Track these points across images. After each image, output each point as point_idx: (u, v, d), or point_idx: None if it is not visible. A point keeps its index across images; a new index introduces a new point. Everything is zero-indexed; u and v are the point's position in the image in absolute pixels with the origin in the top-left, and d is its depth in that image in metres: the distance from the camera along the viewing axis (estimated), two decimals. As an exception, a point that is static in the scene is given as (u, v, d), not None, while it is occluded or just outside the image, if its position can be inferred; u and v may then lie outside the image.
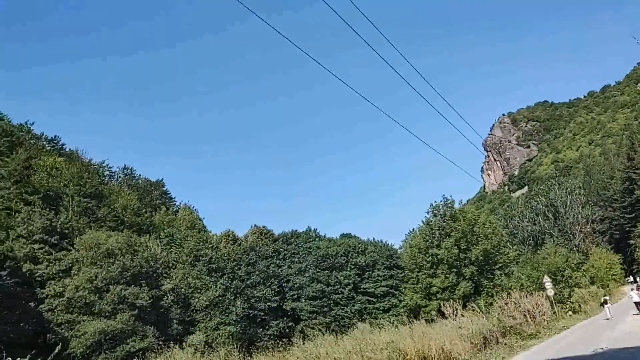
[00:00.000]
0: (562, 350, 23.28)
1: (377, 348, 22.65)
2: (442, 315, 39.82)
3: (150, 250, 51.26)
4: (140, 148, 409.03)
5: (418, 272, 61.31)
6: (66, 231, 47.85)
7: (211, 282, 53.78)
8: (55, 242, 45.95)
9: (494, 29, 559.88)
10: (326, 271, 63.68)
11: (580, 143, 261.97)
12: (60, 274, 43.53)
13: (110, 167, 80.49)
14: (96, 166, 73.83)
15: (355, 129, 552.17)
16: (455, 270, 57.20)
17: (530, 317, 33.22)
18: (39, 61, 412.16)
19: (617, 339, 24.36)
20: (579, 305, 47.50)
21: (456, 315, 32.81)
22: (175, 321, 48.45)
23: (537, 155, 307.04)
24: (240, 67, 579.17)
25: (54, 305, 41.14)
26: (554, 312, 40.11)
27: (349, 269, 65.04)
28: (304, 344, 28.39)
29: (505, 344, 26.86)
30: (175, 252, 56.84)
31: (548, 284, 41.60)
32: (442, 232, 60.00)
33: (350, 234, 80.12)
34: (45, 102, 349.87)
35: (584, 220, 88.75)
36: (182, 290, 51.19)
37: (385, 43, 17.81)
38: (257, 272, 57.62)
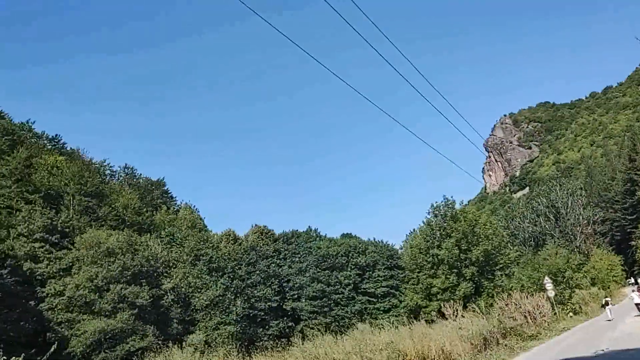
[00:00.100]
0: (562, 351, 23.22)
1: (377, 349, 22.59)
2: (443, 316, 39.76)
3: (151, 250, 51.27)
4: (141, 147, 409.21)
5: (418, 272, 61.25)
6: (67, 230, 47.90)
7: (211, 282, 53.75)
8: (56, 240, 45.99)
9: (495, 29, 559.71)
10: (326, 271, 63.62)
11: (581, 144, 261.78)
12: (61, 273, 43.57)
13: (111, 166, 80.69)
14: (97, 165, 73.92)
15: (356, 129, 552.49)
16: (455, 270, 57.12)
17: (530, 318, 33.14)
18: (40, 60, 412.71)
19: (618, 340, 24.29)
20: (580, 307, 47.42)
21: (456, 316, 32.76)
22: (175, 320, 48.44)
23: (538, 156, 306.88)
24: (241, 67, 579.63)
25: (54, 304, 41.16)
26: (555, 314, 40.02)
27: (349, 269, 64.97)
28: (303, 344, 28.35)
29: (505, 345, 26.79)
30: (176, 252, 56.85)
31: (549, 285, 41.51)
32: (443, 233, 59.91)
33: (350, 234, 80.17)
34: (46, 101, 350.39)
35: (585, 222, 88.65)
36: (183, 289, 51.20)
37: (385, 42, 17.76)
38: (257, 272, 57.58)
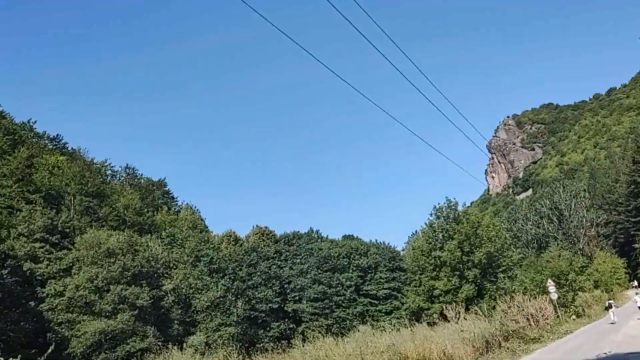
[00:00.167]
0: (565, 354, 22.98)
1: (378, 351, 22.37)
2: (445, 318, 39.51)
3: (151, 250, 51.20)
4: (142, 148, 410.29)
5: (421, 274, 60.91)
6: (67, 230, 47.86)
7: (212, 283, 53.57)
8: (56, 241, 45.96)
9: (499, 30, 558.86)
10: (328, 273, 63.33)
11: (585, 146, 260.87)
12: (61, 273, 43.55)
13: (112, 167, 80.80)
14: (98, 165, 73.99)
15: (358, 130, 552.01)
16: (458, 273, 56.78)
17: (533, 321, 32.80)
18: (42, 60, 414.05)
19: (622, 343, 24.04)
20: (583, 309, 47.07)
21: (458, 319, 32.49)
22: (175, 322, 48.32)
23: (541, 158, 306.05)
24: (242, 67, 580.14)
25: (54, 304, 41.12)
26: (558, 316, 39.66)
27: (351, 271, 64.68)
28: (303, 346, 28.13)
29: (507, 348, 26.50)
30: (177, 252, 56.74)
31: (552, 288, 41.16)
32: (445, 235, 59.59)
33: (352, 235, 79.86)
34: (47, 101, 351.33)
35: (589, 224, 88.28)
36: (183, 290, 51.08)
37: (389, 44, 17.57)
38: (258, 273, 57.36)
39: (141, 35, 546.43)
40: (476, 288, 56.23)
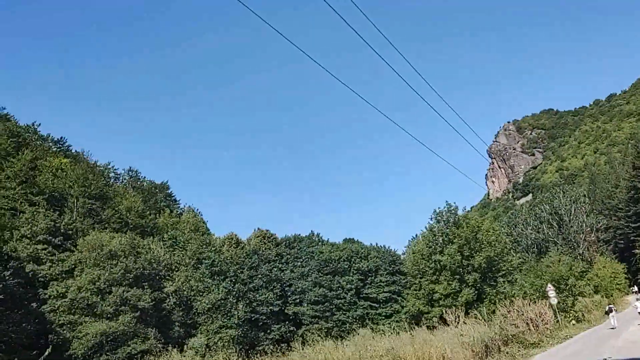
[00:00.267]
0: (565, 359, 23.10)
1: (377, 355, 22.58)
2: (444, 322, 39.65)
3: (153, 253, 51.36)
4: (145, 150, 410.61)
5: (421, 278, 61.04)
6: (70, 232, 48.05)
7: (213, 285, 53.74)
8: (59, 243, 46.14)
9: (500, 36, 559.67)
10: (329, 276, 63.50)
11: (585, 151, 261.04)
12: (63, 275, 43.69)
13: (115, 169, 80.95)
14: (101, 168, 74.13)
15: (360, 134, 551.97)
16: (458, 277, 56.91)
17: (533, 326, 32.97)
18: (46, 63, 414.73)
19: (622, 349, 24.14)
20: (583, 314, 47.16)
21: (458, 323, 32.65)
22: (177, 324, 48.44)
23: (541, 163, 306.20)
24: (244, 71, 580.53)
25: (56, 306, 41.26)
26: (557, 321, 39.80)
27: (351, 274, 64.83)
28: (303, 349, 28.32)
29: (507, 353, 26.64)
30: (178, 255, 56.89)
31: (551, 293, 41.28)
32: (445, 239, 59.73)
33: (353, 239, 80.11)
34: (51, 104, 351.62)
35: (589, 229, 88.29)
36: (185, 292, 51.20)
37: (389, 48, 17.84)
38: (259, 276, 57.54)
39: (144, 39, 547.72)
40: (476, 292, 56.35)
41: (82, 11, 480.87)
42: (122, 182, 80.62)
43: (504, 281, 57.21)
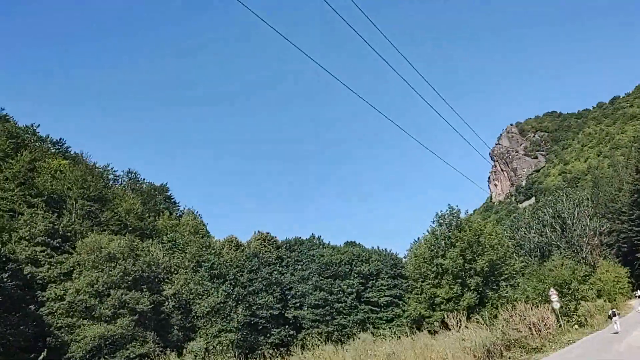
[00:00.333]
0: (567, 364, 22.72)
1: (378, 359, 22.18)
2: (446, 326, 39.25)
3: (152, 255, 51.00)
4: (145, 152, 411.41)
5: (422, 282, 60.65)
6: (68, 234, 47.78)
7: (213, 288, 53.40)
8: (57, 245, 45.89)
9: (503, 38, 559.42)
10: (329, 279, 63.15)
11: (588, 154, 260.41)
12: (62, 277, 43.41)
13: (114, 171, 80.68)
14: (100, 170, 73.83)
15: (362, 137, 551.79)
16: (460, 280, 56.52)
17: (535, 330, 32.49)
18: (46, 64, 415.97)
19: (624, 353, 23.80)
20: (586, 319, 46.63)
21: (460, 327, 32.25)
22: (175, 327, 48.07)
23: (544, 166, 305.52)
24: (247, 74, 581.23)
25: (54, 308, 40.97)
26: (560, 326, 39.30)
27: (352, 278, 64.47)
28: (302, 353, 27.93)
29: (509, 358, 26.27)
30: (178, 258, 56.58)
31: (554, 297, 40.82)
32: (448, 242, 59.38)
33: (354, 242, 79.78)
34: (50, 105, 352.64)
35: (592, 233, 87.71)
36: (184, 296, 50.84)
37: (392, 51, 17.53)
38: (259, 279, 57.20)
39: (144, 39, 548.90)
40: (478, 296, 55.94)
41: (82, 12, 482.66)
42: (121, 183, 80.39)
43: (506, 285, 56.79)
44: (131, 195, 69.95)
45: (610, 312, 40.85)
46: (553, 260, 60.61)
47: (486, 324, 34.17)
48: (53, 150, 67.31)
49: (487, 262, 56.09)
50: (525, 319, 32.68)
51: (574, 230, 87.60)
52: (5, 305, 35.55)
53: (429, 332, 48.28)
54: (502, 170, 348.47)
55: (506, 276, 58.40)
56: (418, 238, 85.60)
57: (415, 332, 36.98)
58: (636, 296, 78.60)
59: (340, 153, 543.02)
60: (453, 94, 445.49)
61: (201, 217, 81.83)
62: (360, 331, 55.36)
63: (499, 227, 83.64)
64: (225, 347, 47.41)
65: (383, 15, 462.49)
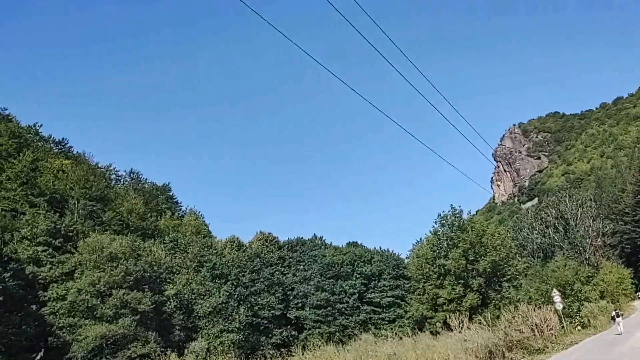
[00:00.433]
0: (570, 366, 22.58)
1: (379, 360, 22.09)
2: (448, 327, 39.12)
3: (154, 255, 50.99)
4: (147, 152, 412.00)
5: (424, 282, 60.45)
6: (70, 234, 47.79)
7: (215, 289, 53.32)
8: (59, 244, 45.89)
9: (505, 39, 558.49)
10: (331, 280, 63.07)
11: (591, 155, 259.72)
12: (63, 277, 43.38)
13: (116, 171, 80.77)
14: (102, 169, 73.96)
15: (364, 137, 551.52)
16: (462, 281, 56.33)
17: (538, 331, 32.34)
18: (49, 64, 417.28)
19: (627, 355, 23.64)
20: (588, 320, 46.48)
21: (462, 328, 32.13)
22: (177, 327, 48.01)
23: (547, 167, 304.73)
24: (249, 74, 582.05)
25: (56, 308, 40.95)
26: (563, 327, 39.14)
27: (354, 278, 64.36)
28: (303, 354, 27.85)
29: (511, 359, 26.12)
30: (179, 258, 56.51)
31: (557, 298, 40.68)
32: (450, 243, 59.17)
33: (356, 242, 79.47)
34: (53, 105, 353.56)
35: (595, 234, 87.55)
36: (185, 296, 50.77)
37: (394, 51, 17.44)
38: (261, 280, 57.14)
39: (145, 40, 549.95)
40: (480, 297, 55.76)
41: (84, 13, 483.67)
42: (124, 183, 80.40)
43: (508, 286, 56.60)
44: (133, 195, 69.92)
45: (613, 314, 40.69)
46: (556, 261, 60.50)
47: (488, 325, 34.02)
48: (55, 150, 67.44)
49: (489, 263, 55.91)
50: (527, 320, 32.54)
51: (577, 231, 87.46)
52: (7, 305, 35.57)
53: (431, 332, 48.15)
54: (505, 170, 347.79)
55: (509, 277, 58.22)
56: (420, 239, 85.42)
57: (417, 333, 36.83)
58: (639, 297, 78.36)
59: (342, 153, 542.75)
60: (456, 94, 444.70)
61: (203, 217, 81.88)
62: (362, 332, 55.26)
63: (501, 228, 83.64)
64: (226, 348, 47.33)
65: (385, 16, 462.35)
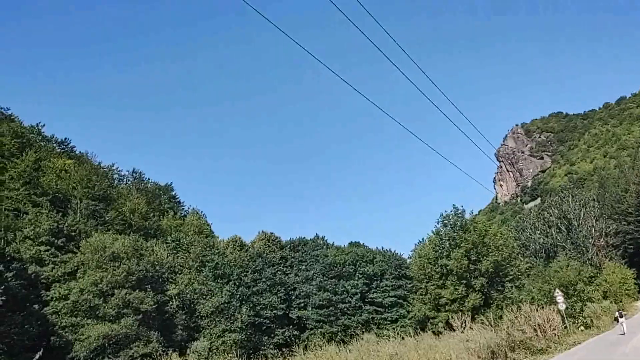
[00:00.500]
0: (573, 366, 22.52)
1: (381, 360, 22.04)
2: (451, 327, 39.06)
3: (157, 255, 51.01)
4: (149, 152, 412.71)
5: (427, 282, 60.39)
6: (73, 233, 47.82)
7: (217, 289, 53.34)
8: (62, 244, 45.90)
9: (508, 38, 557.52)
10: (333, 280, 63.06)
11: (594, 155, 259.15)
12: (66, 277, 43.41)
13: (119, 171, 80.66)
14: (105, 169, 73.84)
15: (366, 137, 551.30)
16: (464, 281, 56.24)
17: (540, 332, 32.29)
18: (51, 64, 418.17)
19: (630, 355, 23.57)
20: (591, 320, 46.38)
21: (464, 328, 32.07)
22: (179, 327, 48.02)
23: (550, 167, 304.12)
24: (249, 74, 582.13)
25: (58, 308, 40.97)
26: (566, 327, 39.11)
27: (356, 278, 64.35)
28: (304, 353, 27.82)
29: (514, 359, 26.05)
30: (182, 257, 56.53)
31: (560, 298, 40.62)
32: (452, 243, 59.07)
33: (358, 242, 79.46)
34: (56, 105, 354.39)
35: (598, 234, 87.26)
36: (188, 295, 50.78)
37: (397, 51, 17.42)
38: (263, 279, 57.16)
39: (149, 40, 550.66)
40: (483, 297, 55.66)
41: (87, 13, 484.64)
42: (126, 183, 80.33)
43: (511, 286, 56.50)
44: (136, 194, 69.87)
45: (616, 314, 40.61)
46: (558, 261, 60.31)
47: (491, 325, 33.96)
48: (58, 150, 67.46)
49: (492, 263, 55.81)
50: (530, 320, 32.49)
51: (580, 231, 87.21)
52: (10, 305, 35.58)
53: (433, 333, 48.09)
54: (507, 170, 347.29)
55: (511, 277, 58.10)
56: (422, 239, 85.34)
57: (420, 333, 36.80)
58: (642, 298, 78.12)
59: (343, 153, 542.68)
60: (458, 94, 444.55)
61: (205, 217, 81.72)
62: (364, 332, 55.21)
63: (504, 228, 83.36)
64: (229, 348, 47.32)
65: (387, 16, 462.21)
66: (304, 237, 74.13)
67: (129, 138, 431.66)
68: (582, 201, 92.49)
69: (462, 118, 24.29)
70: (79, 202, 53.15)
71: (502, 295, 55.15)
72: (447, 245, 59.70)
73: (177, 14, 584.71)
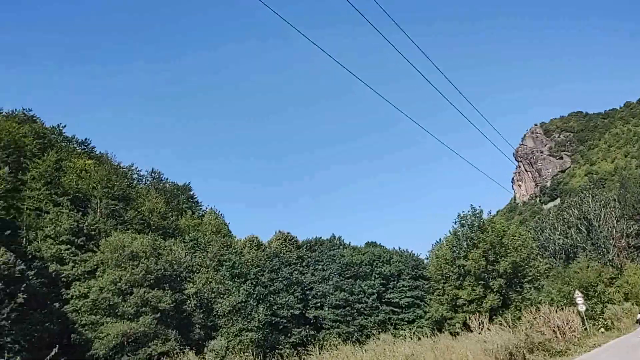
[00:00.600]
0: (593, 369, 22.21)
1: (396, 360, 21.97)
2: (468, 328, 38.74)
3: (175, 254, 51.50)
4: (168, 152, 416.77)
5: (444, 283, 59.97)
6: (93, 233, 48.55)
7: (234, 288, 53.67)
8: (82, 243, 46.67)
9: (527, 37, 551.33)
10: (350, 280, 63.00)
11: (615, 155, 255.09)
12: (86, 275, 44.15)
13: (138, 171, 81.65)
14: (125, 169, 74.78)
15: (383, 137, 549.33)
16: (482, 282, 55.73)
17: (560, 333, 31.94)
18: (73, 65, 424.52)
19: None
20: (612, 322, 45.75)
21: (482, 329, 31.80)
22: (197, 326, 48.43)
23: (570, 167, 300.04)
24: (268, 74, 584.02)
25: (78, 306, 41.69)
26: (585, 329, 38.60)
27: (373, 279, 64.18)
28: (320, 353, 27.84)
29: (532, 361, 25.80)
30: (199, 257, 56.96)
31: (579, 299, 40.14)
32: (470, 243, 58.56)
33: (375, 242, 79.10)
34: (77, 106, 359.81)
35: (619, 235, 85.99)
36: (205, 294, 51.14)
37: (415, 51, 17.39)
38: (280, 279, 57.33)
39: (169, 41, 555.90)
40: (501, 298, 55.09)
41: (107, 13, 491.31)
42: (145, 183, 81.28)
43: (530, 287, 55.85)
44: (154, 194, 70.66)
45: (638, 316, 40.05)
46: (578, 262, 59.61)
47: (509, 326, 33.66)
48: (79, 150, 68.54)
49: (510, 264, 55.18)
50: (549, 321, 32.17)
51: (600, 232, 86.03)
52: (31, 303, 36.25)
53: (450, 333, 47.72)
54: (526, 170, 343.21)
55: (530, 278, 57.43)
56: (440, 239, 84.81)
57: (437, 334, 36.55)
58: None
59: (362, 153, 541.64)
60: (476, 93, 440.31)
61: (223, 217, 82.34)
62: (380, 332, 55.03)
63: (522, 229, 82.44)
64: (245, 347, 47.57)
65: (403, 13, 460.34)
66: (321, 237, 74.18)
67: (148, 136, 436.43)
68: (603, 201, 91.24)
69: (480, 117, 24.15)
70: (98, 201, 53.93)
71: (520, 297, 54.55)
72: (465, 246, 59.22)
73: (196, 14, 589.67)
